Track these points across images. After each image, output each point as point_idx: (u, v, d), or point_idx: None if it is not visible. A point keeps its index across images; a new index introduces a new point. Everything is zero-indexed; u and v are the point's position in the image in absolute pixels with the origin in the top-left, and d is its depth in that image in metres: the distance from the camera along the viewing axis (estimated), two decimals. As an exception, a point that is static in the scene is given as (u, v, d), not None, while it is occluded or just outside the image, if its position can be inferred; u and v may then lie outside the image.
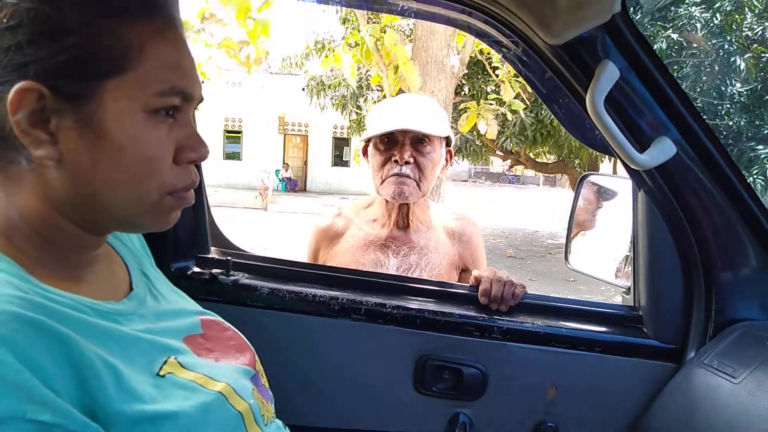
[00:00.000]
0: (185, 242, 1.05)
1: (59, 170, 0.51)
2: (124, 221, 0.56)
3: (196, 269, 1.05)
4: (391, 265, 1.29)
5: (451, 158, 1.38)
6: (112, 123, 0.51)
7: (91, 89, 0.50)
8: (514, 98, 5.15)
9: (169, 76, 0.53)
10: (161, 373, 0.54)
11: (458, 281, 1.34)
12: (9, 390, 0.40)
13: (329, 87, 11.15)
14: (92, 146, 0.51)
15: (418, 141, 1.26)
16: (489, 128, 5.10)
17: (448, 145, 1.35)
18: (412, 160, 1.24)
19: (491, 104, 5.37)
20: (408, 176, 1.24)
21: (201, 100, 0.58)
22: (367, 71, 5.10)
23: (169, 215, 0.58)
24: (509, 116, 5.62)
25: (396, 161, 1.24)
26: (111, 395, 0.47)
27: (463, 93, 9.87)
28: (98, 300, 0.55)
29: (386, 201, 1.32)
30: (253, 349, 0.71)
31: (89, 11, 0.50)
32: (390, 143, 1.27)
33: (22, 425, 0.40)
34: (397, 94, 3.78)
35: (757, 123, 7.27)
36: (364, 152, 1.35)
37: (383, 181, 1.27)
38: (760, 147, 6.90)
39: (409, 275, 1.28)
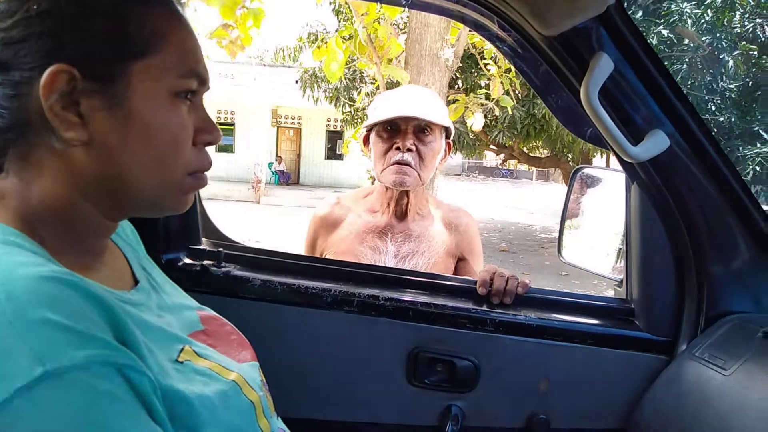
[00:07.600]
0: (176, 233, 1.04)
1: (87, 152, 0.52)
2: (146, 202, 0.58)
3: (187, 260, 1.04)
4: (389, 252, 1.31)
5: (450, 150, 1.39)
6: (140, 103, 0.53)
7: (120, 70, 0.52)
8: (503, 94, 5.14)
9: (188, 60, 0.56)
10: (180, 359, 0.55)
11: (455, 270, 1.37)
12: (85, 338, 0.42)
13: (323, 80, 11.07)
14: (121, 127, 0.52)
15: (420, 130, 1.28)
16: (474, 122, 5.10)
17: (447, 137, 1.36)
18: (414, 147, 1.26)
19: (480, 98, 5.36)
20: (409, 164, 1.26)
21: (209, 87, 0.61)
22: (352, 61, 5.05)
23: (188, 196, 0.60)
24: (497, 111, 5.62)
25: (398, 148, 1.26)
26: (149, 364, 0.48)
27: (456, 87, 9.85)
28: (112, 289, 0.55)
29: (385, 190, 1.34)
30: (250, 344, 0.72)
31: None
32: (393, 131, 1.29)
33: (104, 368, 0.42)
34: (389, 87, 3.76)
35: (748, 118, 7.31)
36: (365, 141, 1.37)
37: (385, 169, 1.28)
38: (749, 146, 6.95)
39: (406, 262, 1.30)
